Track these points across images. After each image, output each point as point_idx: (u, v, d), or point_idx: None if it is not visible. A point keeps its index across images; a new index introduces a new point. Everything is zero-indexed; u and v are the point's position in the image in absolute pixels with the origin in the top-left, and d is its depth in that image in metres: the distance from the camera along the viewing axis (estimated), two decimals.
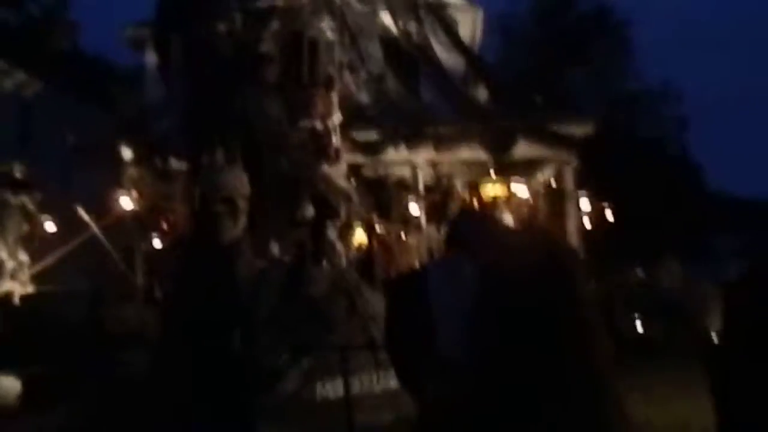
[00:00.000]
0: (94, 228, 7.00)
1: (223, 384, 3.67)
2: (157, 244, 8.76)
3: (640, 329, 10.94)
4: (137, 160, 8.16)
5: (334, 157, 5.70)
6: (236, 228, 3.54)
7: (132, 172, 8.03)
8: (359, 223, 7.06)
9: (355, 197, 6.35)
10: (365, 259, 6.65)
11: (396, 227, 8.17)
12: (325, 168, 5.48)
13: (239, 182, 3.34)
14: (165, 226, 10.37)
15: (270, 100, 4.88)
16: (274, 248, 4.69)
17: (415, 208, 8.32)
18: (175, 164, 9.70)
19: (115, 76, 21.26)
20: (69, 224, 7.81)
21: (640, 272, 13.82)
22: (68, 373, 6.01)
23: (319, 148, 5.47)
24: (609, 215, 9.93)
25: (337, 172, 5.73)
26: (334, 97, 6.56)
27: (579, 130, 10.17)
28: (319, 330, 5.25)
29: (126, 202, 7.36)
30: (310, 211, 4.98)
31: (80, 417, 5.48)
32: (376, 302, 5.66)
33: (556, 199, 10.88)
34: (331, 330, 5.38)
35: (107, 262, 7.41)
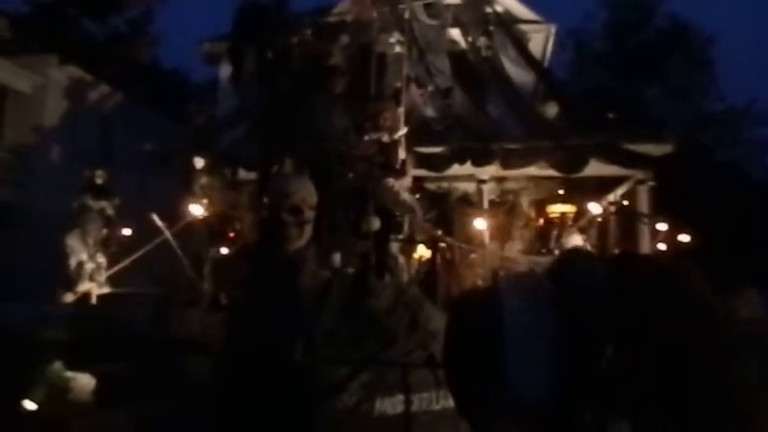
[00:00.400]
0: (167, 233, 7.22)
1: (282, 395, 3.62)
2: (223, 251, 8.97)
3: None
4: (208, 169, 8.41)
5: (400, 171, 5.66)
6: (302, 238, 3.50)
7: (203, 180, 8.27)
8: (422, 237, 6.97)
9: (418, 211, 6.28)
10: (428, 275, 6.55)
11: (459, 243, 8.02)
12: (391, 181, 5.44)
13: (307, 191, 3.30)
14: (232, 234, 10.65)
15: (338, 112, 4.90)
16: (338, 260, 4.67)
17: (481, 224, 8.16)
18: (243, 174, 9.98)
19: (191, 89, 22.20)
20: (143, 230, 8.10)
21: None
22: (137, 373, 6.19)
23: (386, 160, 5.45)
24: (685, 239, 9.40)
25: (402, 186, 5.69)
26: (401, 111, 6.52)
27: (657, 149, 9.72)
28: (379, 344, 5.17)
29: (197, 210, 7.58)
30: (375, 223, 4.95)
31: (147, 417, 5.61)
32: (437, 318, 5.54)
33: (628, 221, 10.44)
34: (392, 345, 5.29)
35: (176, 268, 7.63)
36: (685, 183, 13.43)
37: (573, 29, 21.92)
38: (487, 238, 8.42)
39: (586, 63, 23.69)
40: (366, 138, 5.46)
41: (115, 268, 7.87)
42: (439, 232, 6.96)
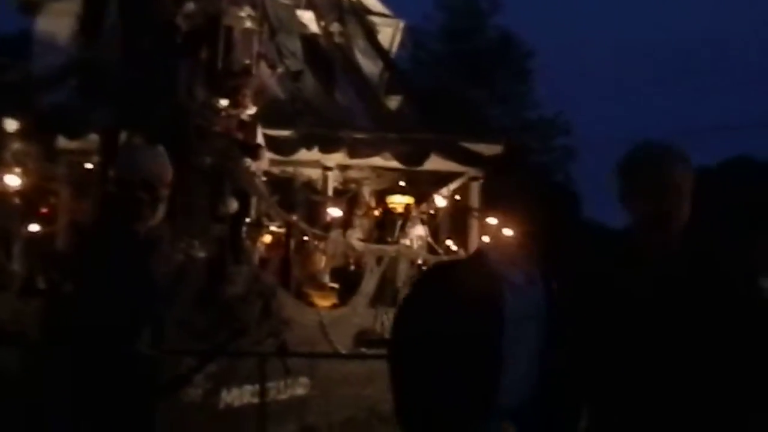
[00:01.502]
0: None
1: (121, 390, 3.27)
2: (35, 228, 7.92)
3: None
4: (23, 134, 7.30)
5: (258, 152, 5.40)
6: (154, 217, 3.18)
7: (16, 146, 7.17)
8: (275, 222, 6.76)
9: (267, 196, 6.06)
10: (281, 260, 6.38)
11: (312, 229, 7.93)
12: (248, 162, 5.17)
13: (162, 167, 2.98)
14: (45, 209, 9.42)
15: (198, 83, 4.51)
16: (194, 244, 4.33)
17: (334, 211, 8.12)
18: (63, 142, 8.86)
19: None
20: None
21: None
22: None
23: (244, 140, 5.15)
24: (507, 233, 10.25)
25: (259, 168, 5.44)
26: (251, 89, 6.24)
27: (489, 149, 10.48)
28: (230, 334, 4.93)
29: (12, 180, 6.54)
30: (233, 205, 4.67)
31: None
32: (290, 305, 5.44)
33: (460, 215, 11.14)
34: (243, 334, 5.08)
35: None
36: (509, 182, 14.66)
37: (411, 28, 22.78)
38: (330, 226, 8.42)
39: (423, 61, 24.80)
40: (225, 114, 5.12)
41: None
42: (294, 218, 6.80)
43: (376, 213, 11.12)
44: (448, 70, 24.02)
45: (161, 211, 3.74)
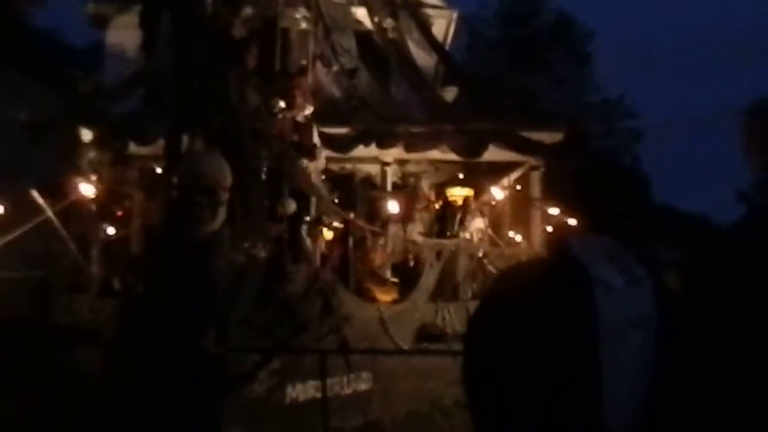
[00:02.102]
0: (48, 212, 6.55)
1: (190, 387, 3.40)
2: (111, 231, 8.35)
3: None
4: (97, 142, 7.72)
5: (314, 152, 5.50)
6: (215, 221, 3.28)
7: (91, 155, 7.58)
8: (334, 220, 6.86)
9: (325, 195, 6.15)
10: (340, 258, 6.48)
11: (370, 227, 7.99)
12: (305, 162, 5.27)
13: (221, 171, 3.08)
14: (120, 213, 9.92)
15: (250, 88, 4.63)
16: (254, 245, 4.47)
17: (393, 207, 8.12)
18: (134, 148, 9.29)
19: (68, 53, 20.27)
20: (17, 208, 7.31)
21: None
22: (12, 368, 5.63)
23: (300, 141, 5.25)
24: (573, 222, 9.97)
25: (316, 168, 5.53)
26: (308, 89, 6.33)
27: (549, 137, 10.22)
28: (292, 331, 5.06)
29: (87, 188, 6.92)
30: (291, 206, 4.77)
31: (24, 418, 5.14)
32: (350, 302, 5.51)
33: (520, 205, 10.94)
34: (304, 331, 5.19)
35: (59, 250, 6.96)
36: (571, 169, 14.25)
37: (468, 15, 22.52)
38: (391, 220, 8.45)
39: (479, 49, 24.46)
40: (280, 116, 5.23)
41: None
42: (351, 215, 6.88)
43: (437, 206, 11.09)
44: (505, 57, 23.61)
45: (222, 214, 3.88)
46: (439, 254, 7.33)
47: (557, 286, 1.58)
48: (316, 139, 5.79)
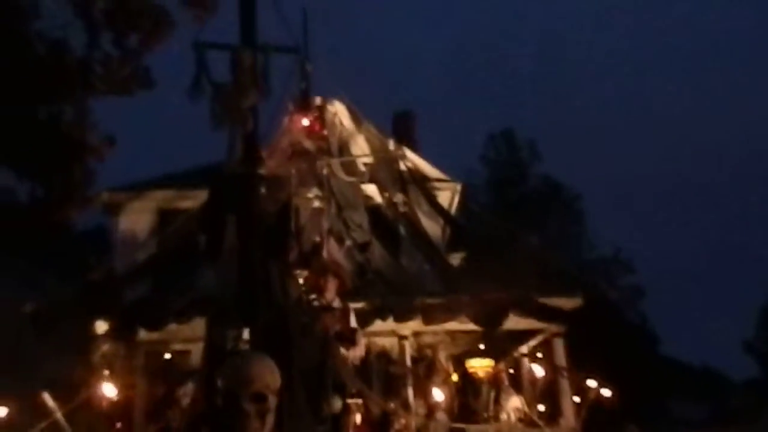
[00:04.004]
0: (59, 416, 6.03)
1: None
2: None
3: None
4: (112, 334, 7.39)
5: (354, 338, 5.23)
6: (264, 430, 2.93)
7: (105, 347, 7.21)
8: (376, 411, 6.37)
9: (364, 387, 5.74)
10: None
11: (412, 414, 7.45)
12: (346, 353, 4.97)
13: (271, 374, 2.79)
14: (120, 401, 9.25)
15: (291, 279, 4.49)
16: None
17: (439, 395, 7.53)
18: (143, 335, 8.94)
19: (74, 238, 20.42)
20: (22, 409, 6.77)
21: None
22: None
23: (339, 330, 5.00)
24: (606, 393, 9.44)
25: (355, 356, 5.21)
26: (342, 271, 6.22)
27: (568, 302, 10.06)
28: None
29: (109, 389, 6.46)
30: (337, 404, 4.39)
31: None
32: None
33: (546, 375, 10.44)
34: None
35: None
36: (593, 334, 13.95)
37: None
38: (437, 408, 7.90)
39: (472, 214, 25.27)
40: (316, 305, 5.03)
41: None
42: (392, 405, 6.41)
43: (454, 379, 10.59)
44: (499, 222, 24.31)
45: (270, 422, 3.50)
46: None
47: None
48: (353, 323, 5.55)
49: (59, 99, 13.21)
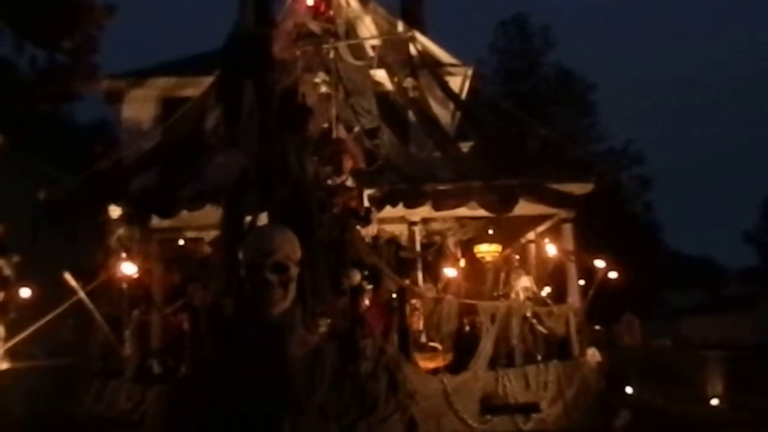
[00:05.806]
0: (81, 294, 6.19)
1: None
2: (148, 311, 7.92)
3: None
4: (126, 218, 7.44)
5: (369, 217, 5.22)
6: (287, 299, 2.96)
7: (121, 231, 7.29)
8: (391, 288, 6.51)
9: (381, 262, 5.82)
10: (400, 328, 6.10)
11: (429, 292, 7.63)
12: (361, 229, 4.98)
13: (291, 246, 2.78)
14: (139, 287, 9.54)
15: (308, 155, 4.41)
16: (323, 321, 4.13)
17: (451, 272, 7.70)
18: (156, 221, 9.02)
19: (74, 129, 20.27)
20: (44, 291, 6.96)
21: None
22: None
23: (355, 207, 4.99)
24: (613, 275, 9.62)
25: (368, 234, 5.24)
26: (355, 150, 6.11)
27: (579, 188, 10.00)
28: (359, 413, 4.63)
29: (128, 267, 6.59)
30: (356, 277, 4.46)
31: None
32: (414, 377, 5.10)
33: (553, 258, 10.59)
34: (372, 411, 4.77)
35: (91, 333, 6.57)
36: (602, 220, 14.05)
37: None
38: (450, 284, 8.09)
39: (482, 106, 24.74)
40: (332, 183, 4.98)
41: (16, 339, 6.56)
42: (407, 282, 6.54)
43: (462, 264, 10.77)
44: (508, 108, 23.85)
45: (292, 292, 3.54)
46: (493, 317, 6.94)
47: None
48: (366, 203, 5.53)
49: None
